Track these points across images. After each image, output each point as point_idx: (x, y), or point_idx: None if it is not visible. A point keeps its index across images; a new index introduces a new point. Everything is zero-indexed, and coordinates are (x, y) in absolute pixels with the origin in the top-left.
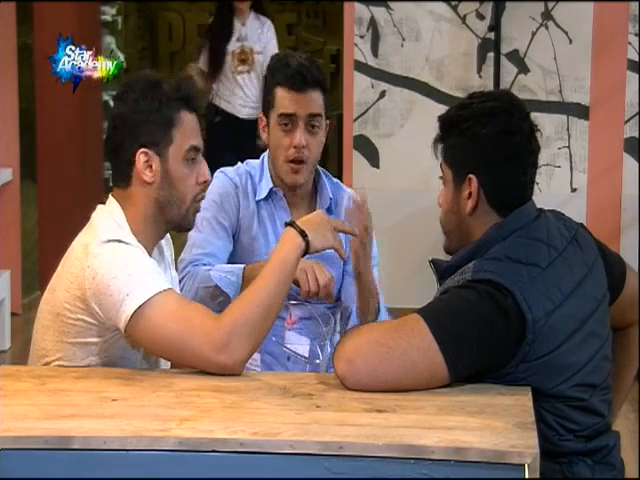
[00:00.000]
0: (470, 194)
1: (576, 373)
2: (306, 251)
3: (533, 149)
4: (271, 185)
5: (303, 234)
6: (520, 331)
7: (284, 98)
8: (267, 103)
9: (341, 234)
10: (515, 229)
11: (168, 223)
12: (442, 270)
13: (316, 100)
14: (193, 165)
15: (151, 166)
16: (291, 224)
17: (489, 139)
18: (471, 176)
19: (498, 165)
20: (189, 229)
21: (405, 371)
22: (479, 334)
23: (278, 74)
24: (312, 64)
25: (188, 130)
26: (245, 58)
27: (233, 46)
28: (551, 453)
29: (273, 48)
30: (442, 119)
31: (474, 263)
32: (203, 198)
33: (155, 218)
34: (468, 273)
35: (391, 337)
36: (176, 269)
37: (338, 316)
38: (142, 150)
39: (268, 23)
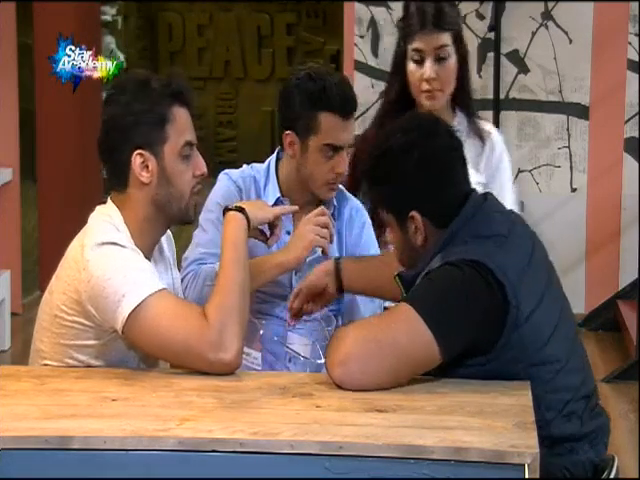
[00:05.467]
0: (416, 228)
1: (554, 331)
2: (248, 224)
3: (454, 147)
4: (278, 194)
5: (240, 210)
6: (502, 297)
7: (332, 128)
8: (304, 126)
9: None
10: (468, 219)
11: (168, 220)
12: (409, 280)
13: (354, 123)
14: (189, 160)
15: (148, 166)
16: (227, 209)
17: (414, 172)
18: (413, 214)
19: (431, 191)
20: (190, 222)
21: (397, 359)
22: (464, 304)
23: (322, 98)
24: (347, 84)
25: (181, 125)
26: None
27: None
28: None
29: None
30: (366, 173)
31: (440, 255)
32: (201, 189)
33: (155, 217)
34: (437, 263)
35: (378, 329)
36: (179, 268)
37: (340, 317)
38: (138, 152)
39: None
